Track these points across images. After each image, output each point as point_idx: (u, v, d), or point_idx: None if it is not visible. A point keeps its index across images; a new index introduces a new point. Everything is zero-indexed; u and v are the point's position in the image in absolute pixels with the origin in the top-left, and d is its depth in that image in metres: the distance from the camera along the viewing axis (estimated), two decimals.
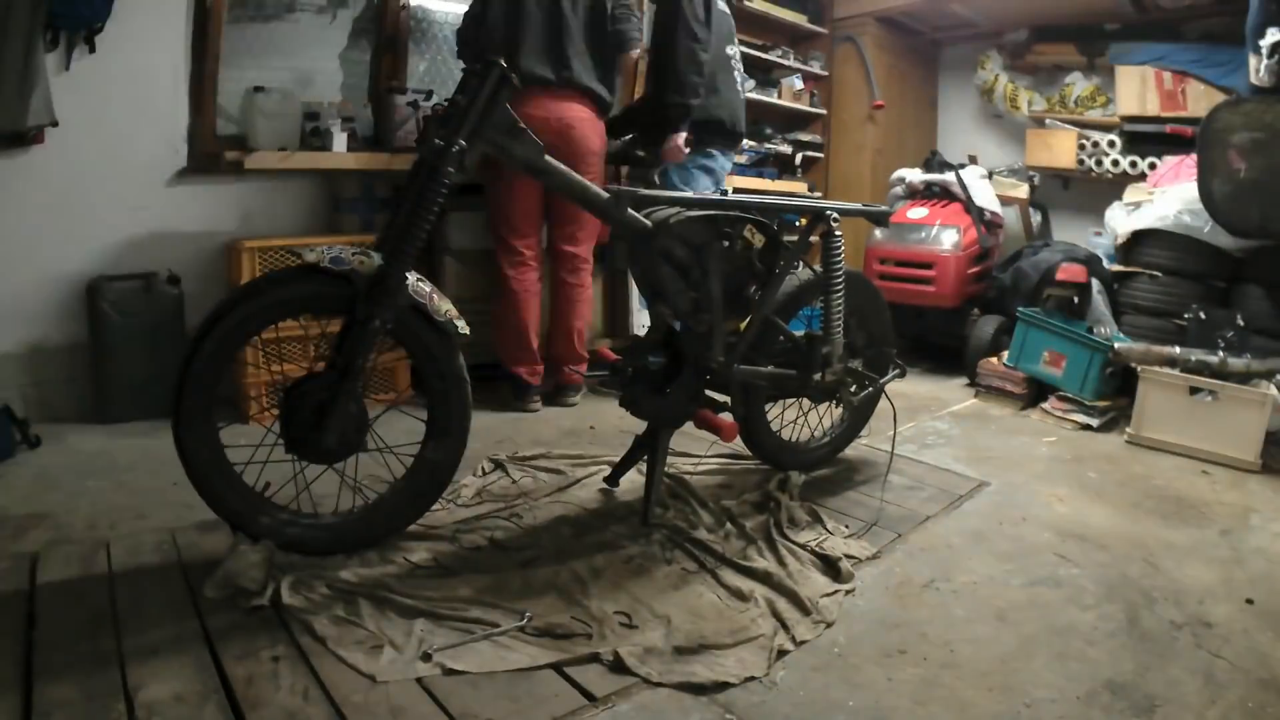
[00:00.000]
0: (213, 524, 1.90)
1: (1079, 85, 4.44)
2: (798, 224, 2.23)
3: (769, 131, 4.84)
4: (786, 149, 4.89)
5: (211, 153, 2.89)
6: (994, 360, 3.42)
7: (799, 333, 2.22)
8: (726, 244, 1.95)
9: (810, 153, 5.04)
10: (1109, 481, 2.45)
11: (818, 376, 2.16)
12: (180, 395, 1.61)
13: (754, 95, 4.63)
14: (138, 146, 2.77)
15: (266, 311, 1.67)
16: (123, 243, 2.78)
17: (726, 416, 2.03)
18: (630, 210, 1.83)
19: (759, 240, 2.00)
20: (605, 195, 1.81)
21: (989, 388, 3.38)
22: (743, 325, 2.10)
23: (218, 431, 1.68)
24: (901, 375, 2.49)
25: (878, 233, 4.01)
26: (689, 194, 2.12)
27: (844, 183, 5.11)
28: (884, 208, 2.44)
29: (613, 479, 2.21)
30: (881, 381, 2.40)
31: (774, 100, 4.76)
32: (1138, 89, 4.01)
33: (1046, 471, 2.51)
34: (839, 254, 2.14)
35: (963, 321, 3.79)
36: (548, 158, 1.73)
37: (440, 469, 1.81)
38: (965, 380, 3.65)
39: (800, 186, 4.85)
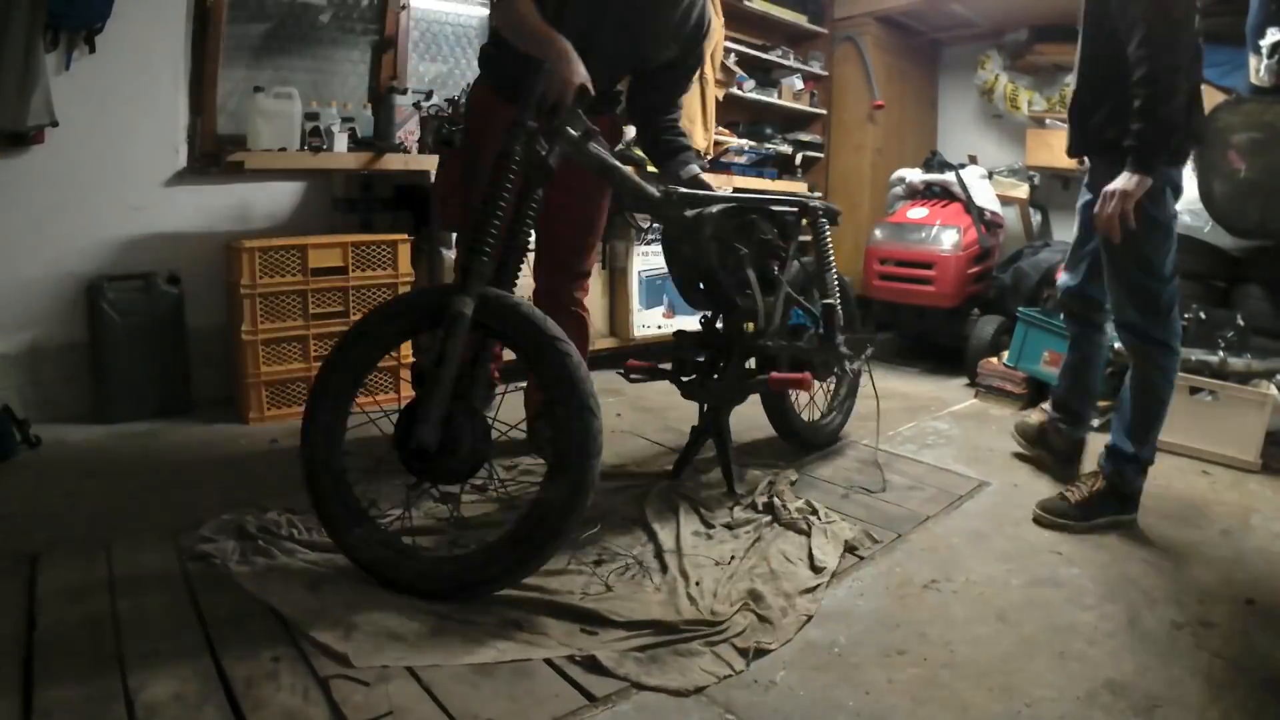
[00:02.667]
0: (213, 524, 1.91)
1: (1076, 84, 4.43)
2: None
3: (769, 131, 4.84)
4: (787, 149, 4.89)
5: (211, 153, 2.90)
6: (994, 360, 3.42)
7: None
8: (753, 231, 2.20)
9: (810, 153, 5.04)
10: None
11: (838, 342, 2.39)
12: (321, 385, 1.66)
13: (754, 95, 4.63)
14: (137, 146, 2.77)
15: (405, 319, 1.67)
16: (123, 242, 2.78)
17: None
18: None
19: (769, 230, 2.24)
20: (658, 194, 2.00)
21: (989, 388, 3.38)
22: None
23: (341, 434, 1.67)
24: (874, 350, 2.72)
25: (878, 232, 4.02)
26: (715, 191, 2.26)
27: (844, 183, 5.11)
28: (836, 206, 2.58)
29: (676, 471, 2.27)
30: (866, 354, 2.59)
31: (774, 100, 4.76)
32: None
33: (1046, 470, 2.51)
34: (828, 239, 2.47)
35: (963, 321, 3.80)
36: (616, 161, 1.89)
37: (551, 512, 1.51)
38: (965, 380, 3.65)
39: (800, 186, 4.85)
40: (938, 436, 2.85)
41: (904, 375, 3.87)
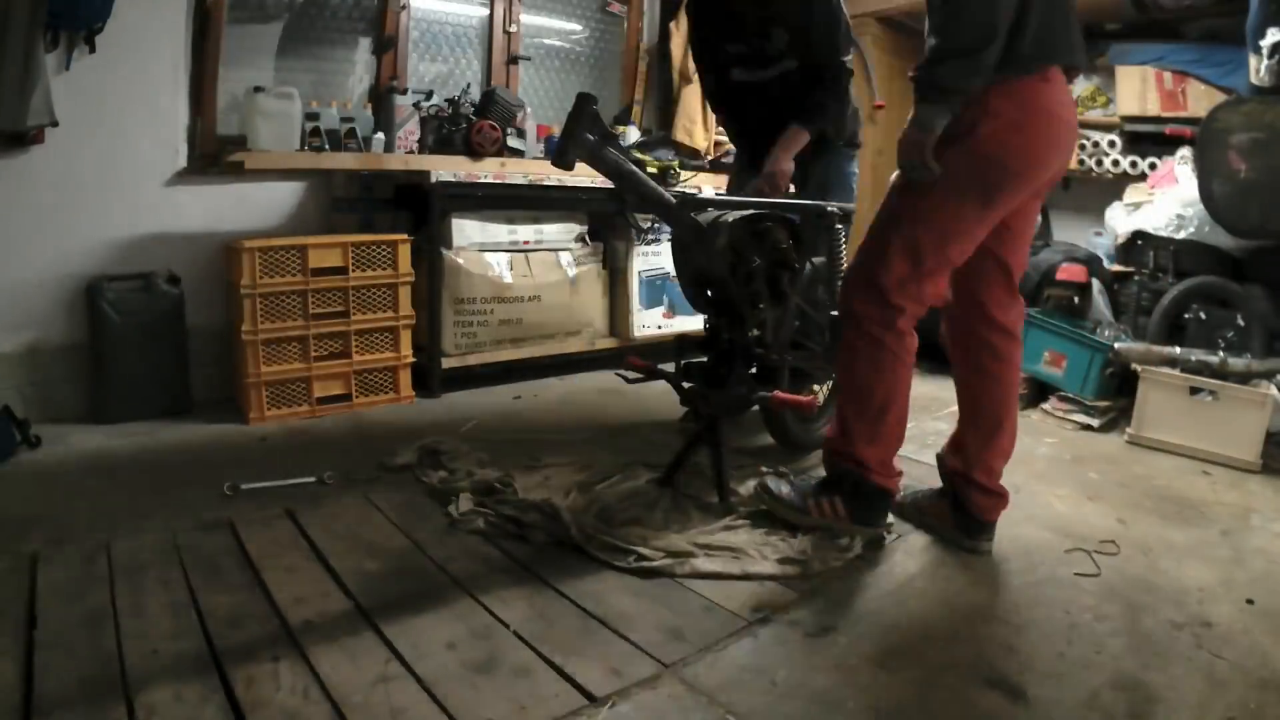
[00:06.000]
0: (213, 524, 1.91)
1: (1079, 85, 4.41)
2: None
3: None
4: None
5: (211, 153, 2.90)
6: None
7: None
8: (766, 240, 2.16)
9: None
10: (1109, 481, 2.44)
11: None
12: None
13: None
14: (138, 146, 2.77)
15: None
16: (123, 242, 2.78)
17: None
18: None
19: (784, 237, 2.19)
20: (673, 200, 1.98)
21: None
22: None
23: None
24: None
25: None
26: (728, 196, 2.44)
27: None
28: (852, 206, 2.67)
29: (668, 476, 2.19)
30: None
31: None
32: (1138, 89, 3.98)
33: (1047, 471, 2.51)
34: (841, 244, 2.45)
35: None
36: (631, 165, 1.86)
37: None
38: None
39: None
40: (939, 437, 2.84)
41: None
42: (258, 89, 2.87)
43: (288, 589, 1.63)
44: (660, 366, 2.34)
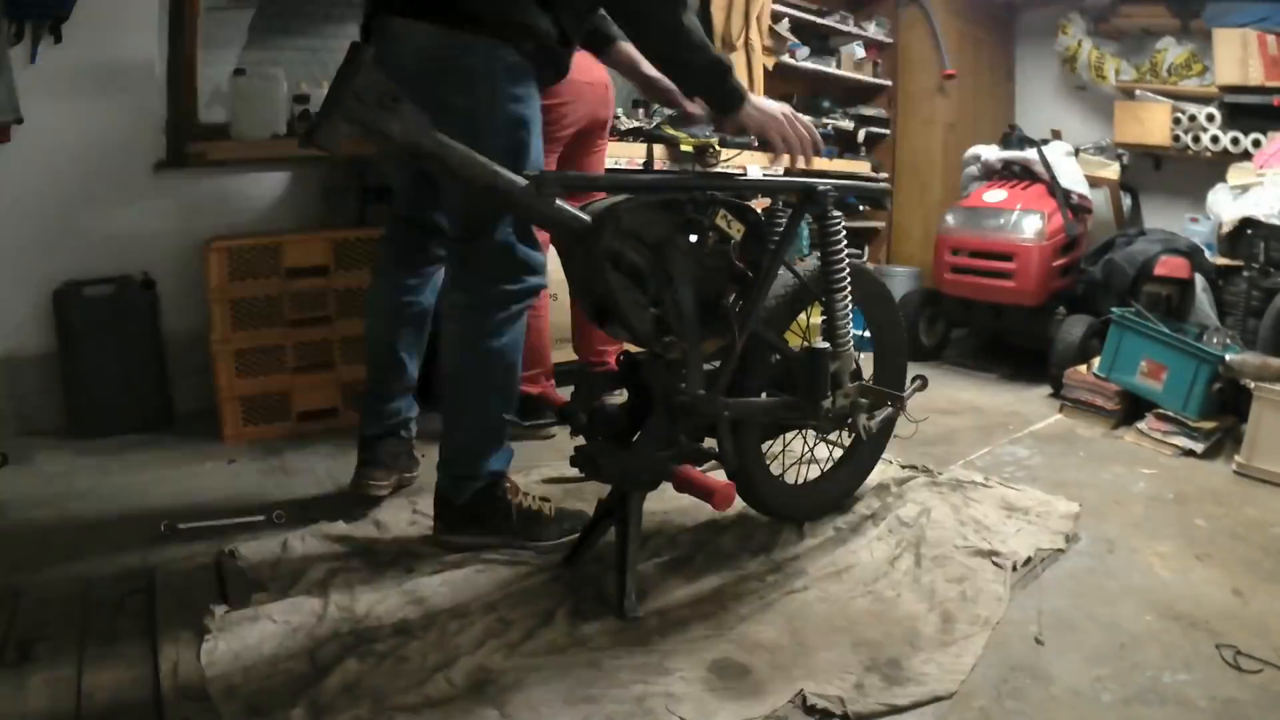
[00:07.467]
0: (132, 573, 1.66)
1: (1172, 51, 3.90)
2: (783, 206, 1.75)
3: (827, 105, 4.39)
4: (848, 125, 4.44)
5: (191, 143, 2.65)
6: (1082, 369, 2.92)
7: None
8: (695, 238, 1.49)
9: (875, 129, 4.57)
10: (1219, 531, 1.97)
11: (828, 403, 1.67)
12: None
13: (810, 65, 4.18)
14: (111, 141, 2.54)
15: None
16: (97, 244, 2.55)
17: (719, 475, 1.56)
18: (560, 201, 1.34)
19: (737, 230, 1.53)
20: (523, 182, 1.30)
21: (1076, 401, 2.88)
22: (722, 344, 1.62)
23: None
24: (922, 387, 2.03)
25: (950, 218, 3.56)
26: (637, 174, 1.71)
27: (913, 161, 4.65)
28: (883, 185, 2.05)
29: (572, 558, 1.69)
30: (905, 396, 1.91)
31: (832, 70, 4.31)
32: (1238, 55, 3.50)
33: (1145, 517, 2.04)
34: (840, 241, 1.69)
35: (1046, 322, 3.30)
36: (440, 135, 1.23)
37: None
38: (1049, 390, 3.16)
39: (864, 166, 4.39)
40: (1016, 467, 2.38)
41: (979, 382, 3.41)
42: (239, 71, 2.62)
43: (180, 671, 1.35)
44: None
